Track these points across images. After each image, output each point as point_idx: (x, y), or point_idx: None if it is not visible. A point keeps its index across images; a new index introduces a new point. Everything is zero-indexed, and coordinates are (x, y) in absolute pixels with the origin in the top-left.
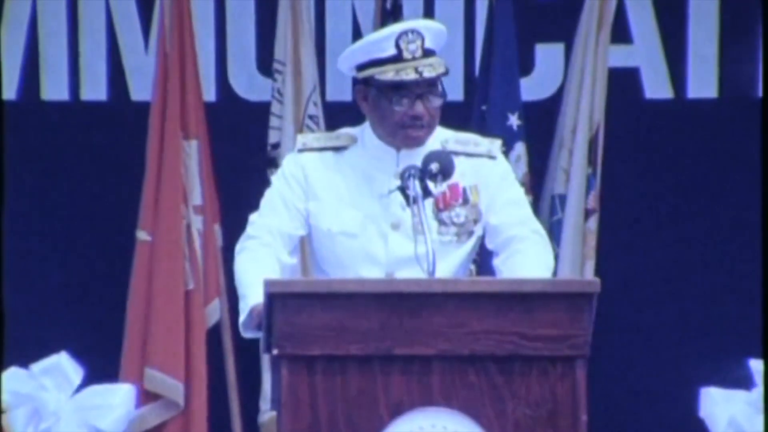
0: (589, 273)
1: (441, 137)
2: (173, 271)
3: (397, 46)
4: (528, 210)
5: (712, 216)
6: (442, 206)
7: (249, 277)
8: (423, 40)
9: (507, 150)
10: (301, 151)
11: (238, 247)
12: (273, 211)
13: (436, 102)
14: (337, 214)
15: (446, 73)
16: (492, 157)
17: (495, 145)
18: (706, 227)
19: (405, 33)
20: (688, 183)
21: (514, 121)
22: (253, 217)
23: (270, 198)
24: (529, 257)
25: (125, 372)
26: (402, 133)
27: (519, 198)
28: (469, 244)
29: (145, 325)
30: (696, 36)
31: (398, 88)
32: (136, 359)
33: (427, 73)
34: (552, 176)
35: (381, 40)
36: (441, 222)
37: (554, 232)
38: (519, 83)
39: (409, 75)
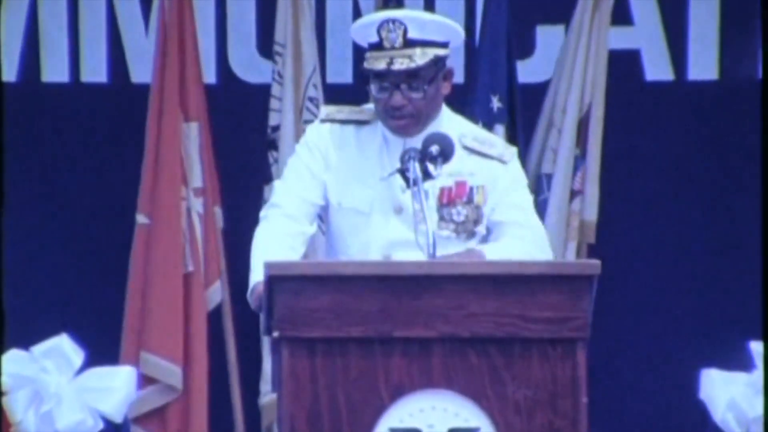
0: (571, 254)
1: (459, 130)
2: (171, 255)
3: (379, 34)
4: (533, 216)
5: (712, 197)
6: (445, 201)
7: (263, 250)
8: (406, 30)
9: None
10: (323, 121)
11: (262, 214)
12: (298, 179)
13: (419, 92)
14: (347, 189)
15: (430, 63)
16: (503, 162)
17: (509, 150)
18: (705, 209)
19: (386, 22)
20: (688, 164)
21: (495, 103)
22: (278, 184)
23: (294, 165)
24: (516, 243)
25: (124, 356)
26: (388, 121)
27: (525, 203)
28: (470, 244)
29: (142, 309)
30: (697, 18)
31: (378, 76)
32: (134, 343)
33: (398, 66)
34: (538, 155)
35: (366, 26)
36: (441, 217)
37: (540, 211)
38: (505, 66)
39: (380, 65)
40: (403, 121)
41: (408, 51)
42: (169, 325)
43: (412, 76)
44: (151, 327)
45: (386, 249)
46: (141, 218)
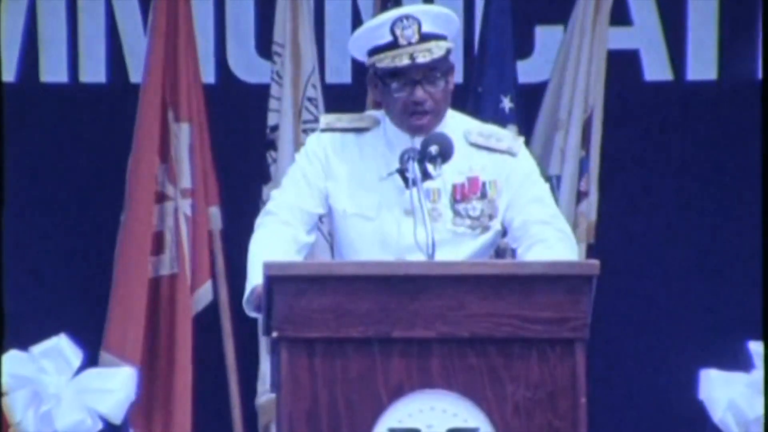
0: (581, 256)
1: (464, 127)
2: (137, 254)
3: (393, 32)
4: (553, 208)
5: (712, 197)
6: (459, 197)
7: (258, 255)
8: (420, 25)
9: None
10: (323, 130)
11: (257, 222)
12: (294, 188)
13: (437, 86)
14: (353, 195)
15: (445, 56)
16: (512, 155)
17: (517, 141)
18: (705, 209)
19: (399, 19)
20: (687, 165)
21: (506, 103)
22: (275, 193)
23: (292, 175)
24: (552, 248)
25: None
26: (407, 120)
27: (543, 195)
28: (484, 238)
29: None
30: (696, 18)
31: (396, 75)
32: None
33: (421, 59)
34: (541, 156)
35: (377, 28)
36: (456, 213)
37: None
38: (512, 66)
39: (403, 61)
40: (426, 117)
41: (425, 45)
42: (129, 326)
43: (431, 70)
44: (111, 326)
45: (399, 252)
46: (122, 217)
